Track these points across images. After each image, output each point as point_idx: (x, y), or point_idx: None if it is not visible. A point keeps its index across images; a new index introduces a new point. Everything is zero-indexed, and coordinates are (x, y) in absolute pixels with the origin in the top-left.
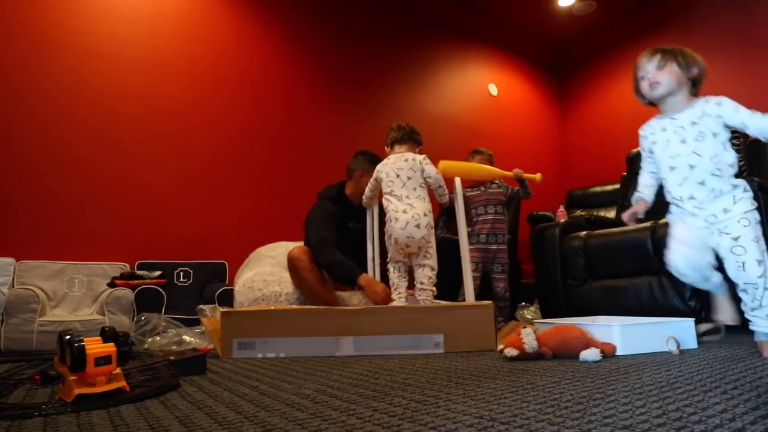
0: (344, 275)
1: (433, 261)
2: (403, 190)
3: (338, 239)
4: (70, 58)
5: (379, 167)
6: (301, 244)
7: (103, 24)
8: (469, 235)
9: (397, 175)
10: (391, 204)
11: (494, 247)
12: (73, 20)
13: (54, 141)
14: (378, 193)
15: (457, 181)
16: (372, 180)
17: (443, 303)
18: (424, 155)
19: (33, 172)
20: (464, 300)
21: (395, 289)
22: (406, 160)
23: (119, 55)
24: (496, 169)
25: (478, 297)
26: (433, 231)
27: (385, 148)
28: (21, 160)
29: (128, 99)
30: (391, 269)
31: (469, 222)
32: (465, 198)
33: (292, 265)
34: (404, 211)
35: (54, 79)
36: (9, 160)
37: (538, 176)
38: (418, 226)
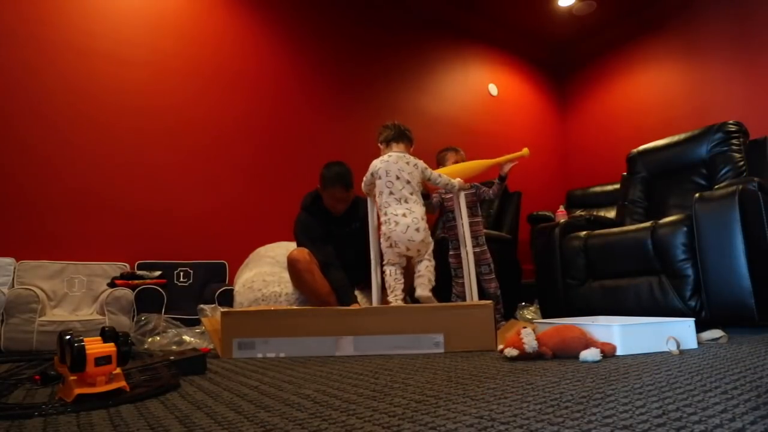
0: (336, 291)
1: (429, 256)
2: (403, 192)
3: (327, 245)
4: (71, 58)
5: (377, 163)
6: None
7: (102, 24)
8: (450, 240)
9: (397, 177)
10: (390, 207)
11: (476, 249)
12: (72, 21)
13: (54, 141)
14: (372, 189)
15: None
16: (368, 175)
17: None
18: (424, 164)
19: (33, 172)
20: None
21: (392, 292)
22: (408, 163)
23: (119, 55)
24: (486, 161)
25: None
26: (429, 233)
27: (378, 145)
28: (21, 160)
29: (128, 99)
30: (388, 272)
31: (444, 227)
32: (440, 201)
33: (292, 267)
34: (404, 215)
35: (54, 80)
36: (9, 160)
37: (525, 151)
38: (417, 229)
